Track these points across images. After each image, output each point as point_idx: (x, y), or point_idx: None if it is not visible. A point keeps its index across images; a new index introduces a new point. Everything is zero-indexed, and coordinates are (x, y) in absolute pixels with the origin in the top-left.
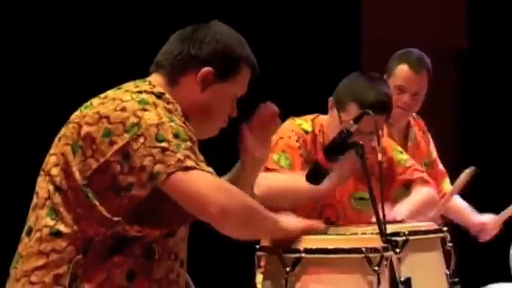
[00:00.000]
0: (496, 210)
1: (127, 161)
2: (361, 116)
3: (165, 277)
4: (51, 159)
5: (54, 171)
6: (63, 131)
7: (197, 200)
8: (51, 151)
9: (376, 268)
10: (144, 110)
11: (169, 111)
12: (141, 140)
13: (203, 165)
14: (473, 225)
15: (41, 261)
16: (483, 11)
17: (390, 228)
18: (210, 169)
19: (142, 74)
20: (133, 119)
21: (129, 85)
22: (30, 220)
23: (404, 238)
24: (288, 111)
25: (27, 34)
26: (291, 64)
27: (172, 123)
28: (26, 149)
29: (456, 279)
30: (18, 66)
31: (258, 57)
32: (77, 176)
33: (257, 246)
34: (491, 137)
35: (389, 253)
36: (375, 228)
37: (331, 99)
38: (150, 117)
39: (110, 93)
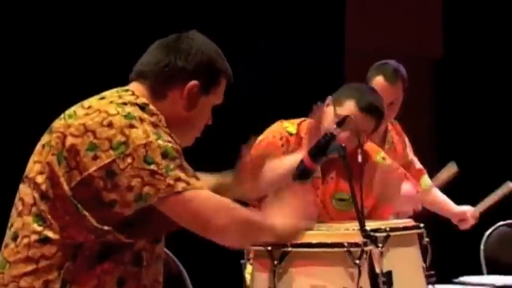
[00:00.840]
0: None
1: (111, 178)
2: (343, 120)
3: (153, 281)
4: (35, 167)
5: (40, 179)
6: (46, 138)
7: (195, 221)
8: (35, 158)
9: (357, 261)
10: (131, 126)
11: (154, 124)
12: (129, 160)
13: (194, 182)
14: (455, 215)
15: (30, 267)
16: (458, 22)
17: (372, 225)
18: (201, 183)
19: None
20: (121, 138)
21: (113, 95)
22: (15, 226)
23: (385, 234)
24: (279, 115)
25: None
26: (276, 68)
27: (159, 141)
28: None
29: (432, 272)
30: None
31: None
32: (65, 186)
33: None
34: (466, 142)
35: (369, 247)
36: (356, 225)
37: (329, 97)
38: (138, 135)
39: (94, 103)
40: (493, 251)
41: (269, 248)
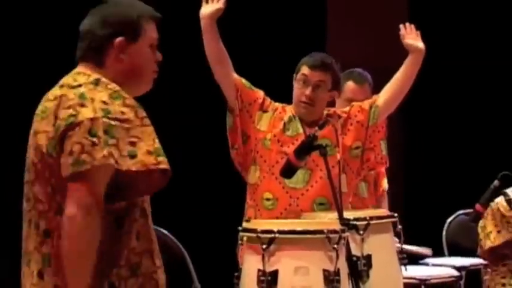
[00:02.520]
0: None
1: (61, 145)
2: (324, 124)
3: (152, 233)
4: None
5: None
6: (32, 140)
7: None
8: (35, 160)
9: (335, 246)
10: (82, 105)
11: (111, 97)
12: (76, 129)
13: (122, 162)
14: None
15: None
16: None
17: (355, 214)
18: (130, 163)
19: None
20: (72, 112)
21: (69, 80)
22: (45, 224)
23: (366, 222)
24: None
25: None
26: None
27: (104, 119)
28: None
29: (405, 255)
30: None
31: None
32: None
33: (239, 228)
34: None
35: (346, 234)
36: (336, 215)
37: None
38: (87, 112)
39: (56, 92)
40: (453, 236)
41: (259, 234)
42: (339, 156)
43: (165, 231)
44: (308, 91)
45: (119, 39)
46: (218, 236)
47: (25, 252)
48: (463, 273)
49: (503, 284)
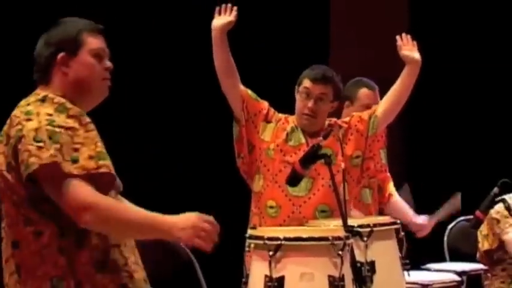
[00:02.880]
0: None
1: (16, 160)
2: (328, 133)
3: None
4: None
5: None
6: None
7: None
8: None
9: (340, 252)
10: (28, 120)
11: (56, 110)
12: (22, 140)
13: (66, 165)
14: (414, 225)
15: None
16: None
17: (359, 222)
18: (71, 168)
19: None
20: (19, 127)
21: (22, 103)
22: (13, 236)
23: (369, 229)
24: None
25: None
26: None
27: (48, 126)
28: None
29: (407, 261)
30: None
31: None
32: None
33: (246, 235)
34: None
35: (350, 241)
36: (340, 222)
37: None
38: (31, 124)
39: (13, 113)
40: (454, 242)
41: (266, 241)
42: (343, 165)
43: None
44: (310, 104)
45: (60, 55)
46: (225, 243)
47: (4, 265)
48: (464, 278)
49: None
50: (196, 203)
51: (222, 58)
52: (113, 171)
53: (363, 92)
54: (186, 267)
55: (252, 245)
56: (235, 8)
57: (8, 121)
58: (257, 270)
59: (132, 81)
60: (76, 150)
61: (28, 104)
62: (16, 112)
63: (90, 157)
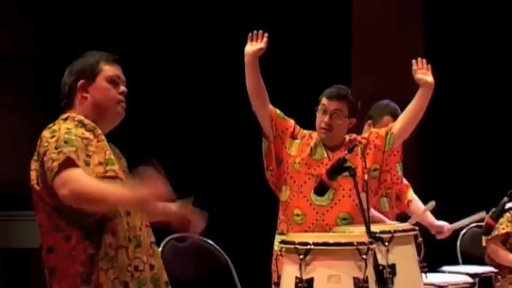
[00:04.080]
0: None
1: (43, 168)
2: (353, 148)
3: (128, 231)
4: None
5: None
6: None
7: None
8: (33, 194)
9: (364, 256)
10: (52, 137)
11: (75, 126)
12: (47, 152)
13: (78, 162)
14: (434, 227)
15: None
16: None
17: (380, 228)
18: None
19: None
20: (45, 144)
21: (49, 125)
22: (47, 242)
23: (390, 235)
24: None
25: None
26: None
27: (67, 136)
28: None
29: (425, 264)
30: None
31: None
32: None
33: (280, 239)
34: (447, 172)
35: (373, 245)
36: (363, 229)
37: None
38: (52, 139)
39: (42, 135)
40: (466, 247)
41: (297, 245)
42: (366, 176)
43: (212, 242)
44: (326, 118)
45: (80, 82)
46: (257, 246)
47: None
48: (476, 280)
49: None
50: (233, 213)
51: (253, 81)
52: (119, 175)
53: (387, 119)
54: (222, 269)
55: (284, 249)
56: (266, 35)
57: (39, 141)
58: (288, 272)
59: (173, 101)
60: (89, 156)
61: (54, 125)
62: (44, 133)
63: (100, 163)
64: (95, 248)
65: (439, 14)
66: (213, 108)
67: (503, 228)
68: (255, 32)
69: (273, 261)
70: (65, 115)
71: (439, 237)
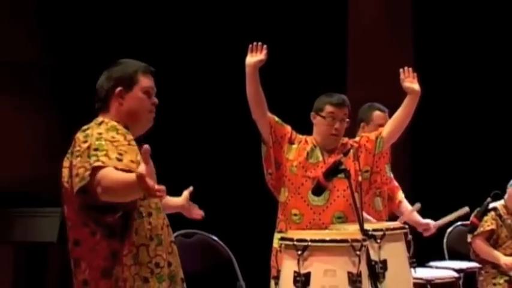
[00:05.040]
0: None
1: (71, 171)
2: (348, 151)
3: (149, 230)
4: None
5: None
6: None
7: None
8: (63, 190)
9: (358, 252)
10: (85, 142)
11: (107, 130)
12: (79, 158)
13: (107, 162)
14: (421, 225)
15: None
16: (428, 70)
17: (373, 226)
18: (116, 163)
19: None
20: (77, 148)
21: (83, 128)
22: (74, 235)
23: (382, 233)
24: None
25: None
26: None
27: (97, 142)
28: None
29: (414, 260)
30: None
31: None
32: None
33: (279, 237)
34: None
35: (366, 242)
36: (357, 227)
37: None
38: (85, 144)
39: (76, 136)
40: (452, 244)
41: (295, 242)
42: (360, 178)
43: (215, 238)
44: (337, 125)
45: (118, 88)
46: (257, 243)
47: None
48: (462, 274)
49: (494, 284)
50: (236, 211)
51: (253, 90)
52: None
53: (377, 114)
54: (225, 263)
55: (283, 246)
56: (265, 46)
57: (73, 142)
58: (287, 267)
59: (177, 110)
60: (120, 154)
61: (88, 128)
62: (78, 135)
63: (132, 161)
64: (118, 244)
65: (428, 26)
66: (218, 116)
67: (488, 226)
68: (255, 43)
69: (273, 258)
70: (100, 119)
71: (426, 234)
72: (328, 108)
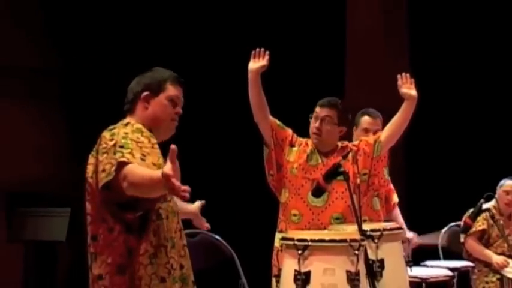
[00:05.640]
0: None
1: (96, 167)
2: (347, 154)
3: (168, 232)
4: None
5: None
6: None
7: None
8: (86, 186)
9: (356, 252)
10: (111, 140)
11: (133, 131)
12: (105, 155)
13: (131, 158)
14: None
15: None
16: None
17: (371, 226)
18: (139, 160)
19: None
20: (103, 145)
21: (110, 127)
22: (91, 231)
23: (380, 233)
24: None
25: None
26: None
27: (123, 140)
28: None
29: (410, 259)
30: None
31: None
32: None
33: (280, 236)
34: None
35: (364, 242)
36: (355, 227)
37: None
38: (111, 142)
39: (102, 135)
40: (447, 244)
41: (296, 242)
42: (358, 180)
43: (218, 237)
44: (317, 123)
45: (145, 93)
46: (259, 242)
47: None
48: (456, 273)
49: (487, 282)
50: (236, 211)
51: (255, 95)
52: None
53: (364, 119)
54: (228, 261)
55: (284, 245)
56: (267, 52)
57: (98, 140)
58: (288, 265)
59: (189, 115)
60: (144, 155)
61: (114, 128)
62: (104, 133)
63: (154, 164)
64: (135, 242)
65: (424, 33)
66: (221, 118)
67: (480, 226)
68: (257, 49)
69: (274, 257)
70: (126, 120)
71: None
72: (316, 108)
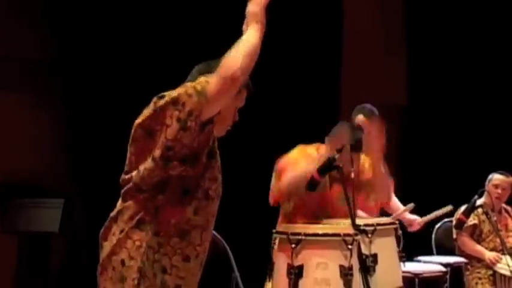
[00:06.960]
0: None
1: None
2: (341, 148)
3: (210, 215)
4: None
5: None
6: None
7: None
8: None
9: (350, 246)
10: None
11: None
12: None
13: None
14: (407, 220)
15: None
16: (420, 75)
17: (365, 221)
18: None
19: None
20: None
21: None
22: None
23: (373, 228)
24: None
25: None
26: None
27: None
28: None
29: (403, 254)
30: None
31: None
32: None
33: (273, 230)
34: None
35: (358, 237)
36: (349, 222)
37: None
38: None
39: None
40: (440, 239)
41: (289, 236)
42: (353, 175)
43: (213, 232)
44: None
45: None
46: (253, 236)
47: None
48: (449, 269)
49: (480, 278)
50: (234, 206)
51: None
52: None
53: (358, 117)
54: (221, 254)
55: (278, 239)
56: None
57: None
58: (281, 259)
59: None
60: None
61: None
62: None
63: None
64: (164, 203)
65: (421, 32)
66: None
67: (471, 221)
68: None
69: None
70: None
71: (410, 229)
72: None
